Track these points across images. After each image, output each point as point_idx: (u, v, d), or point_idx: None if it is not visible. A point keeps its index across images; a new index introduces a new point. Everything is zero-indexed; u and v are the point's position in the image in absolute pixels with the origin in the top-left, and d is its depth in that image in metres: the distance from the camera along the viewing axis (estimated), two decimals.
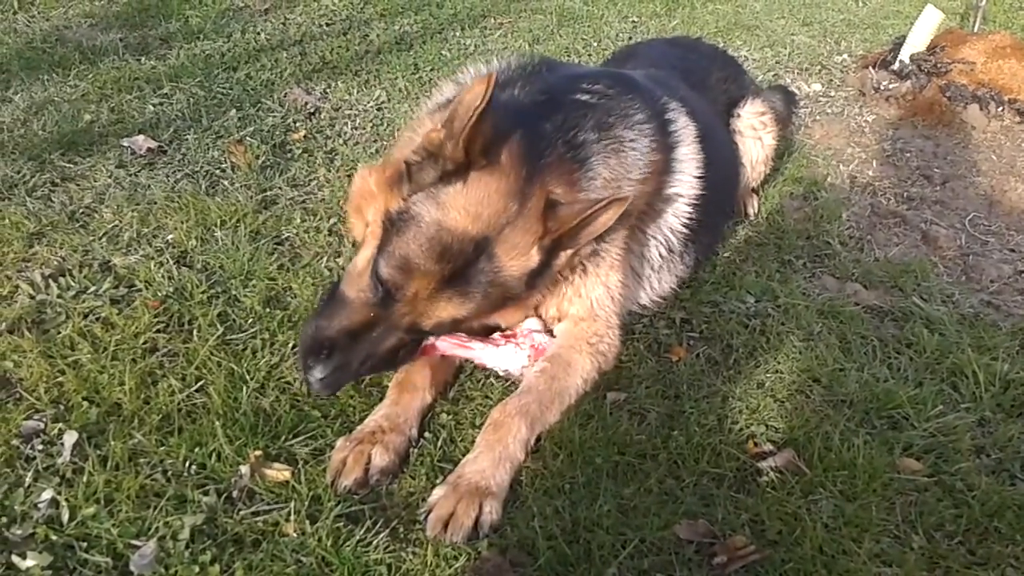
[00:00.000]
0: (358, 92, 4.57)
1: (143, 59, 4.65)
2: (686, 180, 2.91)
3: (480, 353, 2.58)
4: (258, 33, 5.21)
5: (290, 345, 2.68)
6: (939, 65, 5.14)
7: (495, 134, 2.24)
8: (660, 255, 2.94)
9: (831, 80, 5.55)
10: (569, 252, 2.42)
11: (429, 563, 2.06)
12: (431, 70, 4.95)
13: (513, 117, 2.41)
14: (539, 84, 2.69)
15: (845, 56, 5.94)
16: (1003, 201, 4.21)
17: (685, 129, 2.93)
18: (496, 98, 2.37)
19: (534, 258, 2.30)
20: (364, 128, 4.21)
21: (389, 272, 2.21)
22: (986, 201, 4.20)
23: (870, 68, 5.46)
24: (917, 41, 5.35)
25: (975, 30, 5.77)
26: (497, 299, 2.32)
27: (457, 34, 5.60)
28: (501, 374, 2.64)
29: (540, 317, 2.76)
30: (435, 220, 2.21)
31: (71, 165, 3.59)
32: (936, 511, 2.34)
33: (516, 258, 2.26)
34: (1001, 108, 4.91)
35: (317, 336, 2.27)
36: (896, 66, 5.34)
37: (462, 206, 2.21)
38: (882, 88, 5.21)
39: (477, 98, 2.09)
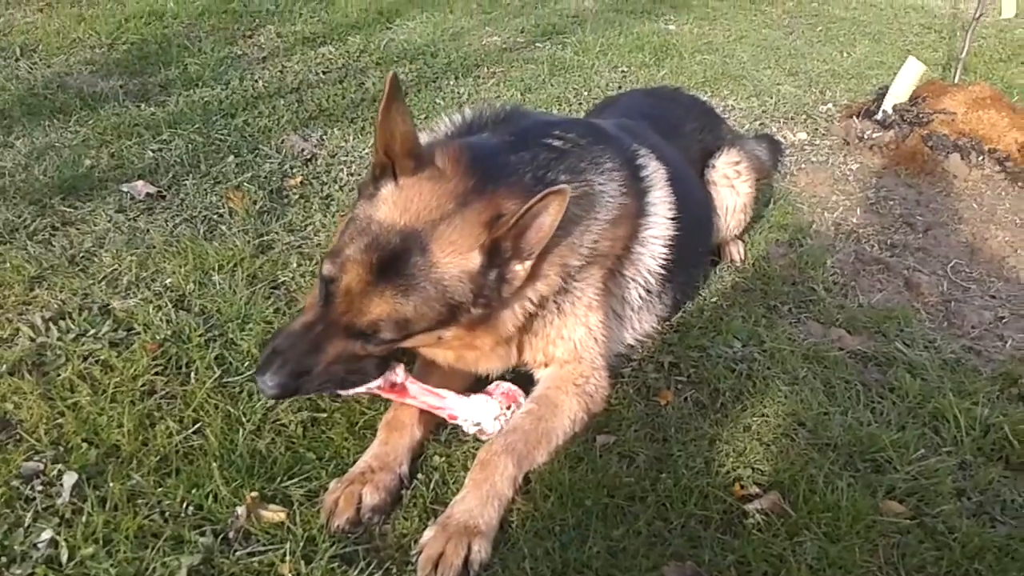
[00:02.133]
0: (354, 139, 4.66)
1: (143, 105, 4.74)
2: (660, 222, 3.00)
3: (451, 402, 2.57)
4: (256, 81, 5.31)
5: None
6: (921, 115, 5.26)
7: (433, 142, 2.42)
8: (640, 296, 3.01)
9: (816, 129, 5.66)
10: (525, 264, 2.40)
11: None
12: (425, 118, 5.04)
13: (475, 147, 2.54)
14: (510, 127, 2.82)
15: (830, 106, 6.06)
16: (984, 248, 4.31)
17: (656, 174, 3.03)
18: (466, 138, 2.60)
19: (474, 259, 2.30)
20: (360, 174, 4.27)
21: (327, 268, 2.29)
22: (967, 248, 4.29)
23: (854, 118, 5.58)
24: (899, 92, 5.47)
25: (955, 81, 5.91)
26: (439, 301, 2.29)
27: (451, 83, 5.71)
28: (471, 430, 2.61)
29: (526, 362, 2.82)
30: (367, 215, 2.33)
31: (71, 210, 3.65)
32: (918, 553, 2.39)
33: (452, 255, 2.28)
34: (982, 157, 5.01)
35: (270, 345, 2.33)
36: (879, 116, 5.46)
37: (392, 201, 2.32)
38: (866, 137, 5.32)
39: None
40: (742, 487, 2.57)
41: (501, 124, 2.89)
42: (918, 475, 2.67)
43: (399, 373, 2.49)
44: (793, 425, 2.85)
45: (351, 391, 2.45)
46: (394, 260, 2.26)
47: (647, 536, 2.36)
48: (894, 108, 5.43)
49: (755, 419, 2.87)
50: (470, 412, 2.58)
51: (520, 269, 2.40)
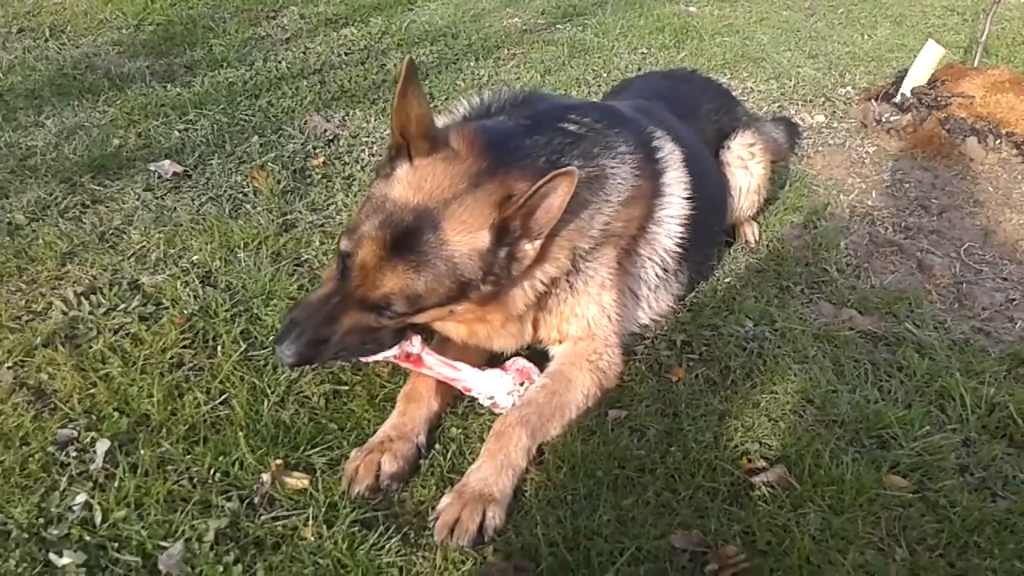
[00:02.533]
0: (376, 120, 4.74)
1: (169, 86, 4.85)
2: (676, 202, 3.07)
3: (466, 375, 2.66)
4: (279, 62, 5.40)
5: None
6: (939, 99, 5.27)
7: (449, 124, 2.53)
8: (656, 275, 3.09)
9: (834, 112, 5.68)
10: (535, 243, 2.47)
11: (438, 566, 2.20)
12: (446, 99, 5.12)
13: (491, 129, 2.62)
14: (528, 111, 2.87)
15: (849, 88, 6.07)
16: (998, 232, 4.33)
17: (671, 155, 3.09)
18: (482, 121, 2.70)
19: (483, 238, 2.38)
20: (381, 155, 4.34)
21: (344, 243, 2.40)
22: (981, 231, 4.32)
23: (872, 101, 5.59)
24: (918, 75, 5.48)
25: (976, 64, 5.90)
26: (449, 278, 2.38)
27: (471, 64, 5.77)
28: (486, 403, 2.70)
29: (541, 339, 2.90)
30: (383, 194, 2.43)
31: (101, 188, 3.77)
32: (919, 525, 2.46)
33: (463, 233, 2.36)
34: (999, 141, 5.02)
35: (289, 315, 2.46)
36: (897, 99, 5.48)
37: (407, 180, 2.41)
38: (883, 120, 5.34)
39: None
40: (749, 461, 2.65)
41: (519, 107, 2.95)
42: (922, 451, 2.73)
43: (415, 344, 2.59)
44: (801, 402, 2.92)
45: (370, 359, 2.58)
46: (407, 237, 2.35)
47: (656, 506, 2.44)
48: (912, 91, 5.45)
49: (764, 396, 2.94)
50: (484, 385, 2.67)
51: (530, 248, 2.48)
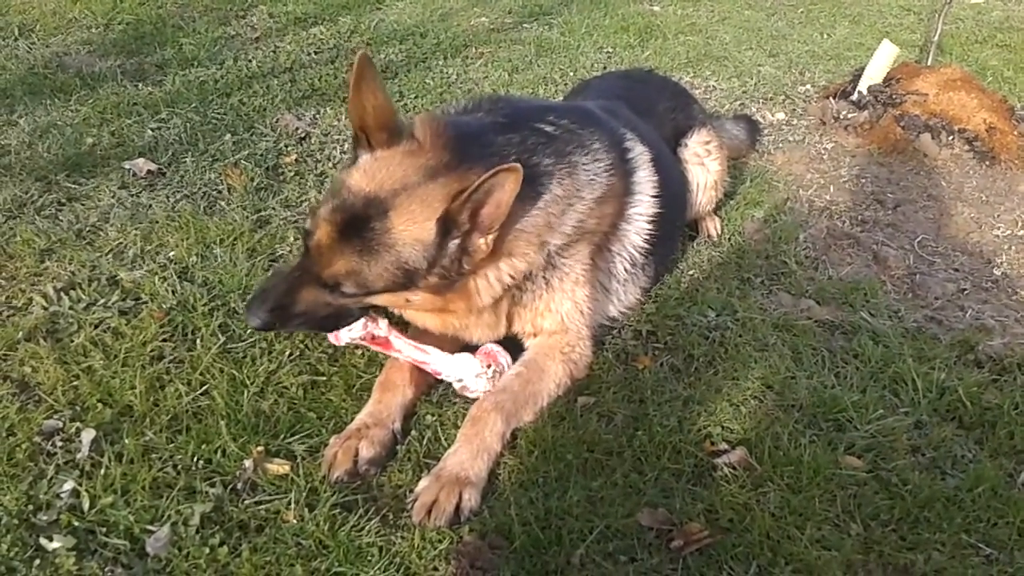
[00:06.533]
0: (346, 118, 4.78)
1: (140, 85, 4.89)
2: (645, 200, 3.18)
3: (434, 358, 2.76)
4: (250, 61, 5.45)
5: (287, 353, 2.91)
6: (894, 96, 5.44)
7: (419, 117, 2.63)
8: (625, 269, 3.20)
9: (794, 109, 5.83)
10: (487, 238, 2.51)
11: (416, 545, 2.29)
12: (415, 97, 5.20)
13: (460, 124, 2.72)
14: (506, 110, 2.97)
15: (808, 87, 6.22)
16: (950, 224, 4.50)
17: (641, 156, 3.20)
18: (455, 116, 2.83)
19: (429, 229, 2.44)
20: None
21: (308, 223, 2.54)
22: (934, 224, 4.49)
23: (831, 98, 5.74)
24: (874, 73, 5.64)
25: (929, 63, 6.08)
26: (394, 265, 2.45)
27: (440, 63, 5.85)
28: (456, 386, 2.80)
29: (516, 333, 3.00)
30: (342, 180, 2.54)
31: (76, 186, 3.81)
32: (873, 502, 2.59)
33: (408, 223, 2.44)
34: (951, 137, 5.20)
35: (260, 285, 2.64)
36: (855, 97, 5.63)
37: (364, 169, 2.52)
38: (841, 117, 5.49)
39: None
40: (712, 443, 2.77)
41: (498, 105, 3.03)
42: (876, 433, 2.86)
43: (381, 326, 2.71)
44: (761, 388, 3.04)
45: (340, 342, 2.73)
46: (356, 223, 2.45)
47: (623, 487, 2.55)
48: (869, 89, 5.60)
49: (726, 382, 3.05)
50: (453, 368, 2.77)
51: (482, 242, 2.53)
